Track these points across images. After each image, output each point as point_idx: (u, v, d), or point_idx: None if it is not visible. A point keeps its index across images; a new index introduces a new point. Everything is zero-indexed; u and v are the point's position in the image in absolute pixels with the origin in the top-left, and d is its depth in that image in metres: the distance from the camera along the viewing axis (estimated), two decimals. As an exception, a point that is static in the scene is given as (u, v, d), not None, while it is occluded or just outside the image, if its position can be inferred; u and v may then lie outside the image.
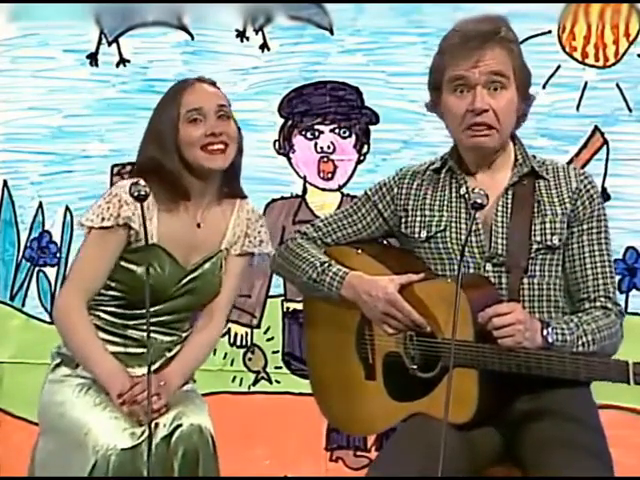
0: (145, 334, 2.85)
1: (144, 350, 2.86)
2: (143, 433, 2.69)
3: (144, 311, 2.84)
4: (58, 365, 2.92)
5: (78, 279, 2.89)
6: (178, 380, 2.87)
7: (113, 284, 2.89)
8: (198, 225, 2.92)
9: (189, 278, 2.91)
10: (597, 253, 2.70)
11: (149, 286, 2.71)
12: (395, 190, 2.85)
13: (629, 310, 3.81)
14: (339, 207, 3.96)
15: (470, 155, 2.76)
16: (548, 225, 2.70)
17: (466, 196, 2.75)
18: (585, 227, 2.71)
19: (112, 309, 2.90)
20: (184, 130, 2.86)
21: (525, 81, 2.71)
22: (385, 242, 2.96)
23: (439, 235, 2.76)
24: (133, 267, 2.87)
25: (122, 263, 2.87)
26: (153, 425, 2.69)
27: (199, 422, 2.76)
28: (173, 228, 2.88)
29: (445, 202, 2.78)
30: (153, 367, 2.82)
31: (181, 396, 2.86)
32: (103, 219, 2.83)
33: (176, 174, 2.86)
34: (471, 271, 2.69)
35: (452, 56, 2.66)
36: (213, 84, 2.96)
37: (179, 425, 2.74)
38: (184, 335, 2.98)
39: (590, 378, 2.60)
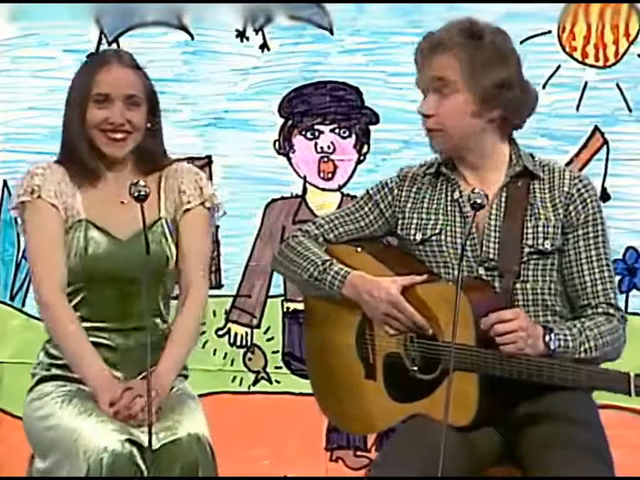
0: (112, 337, 2.84)
1: (114, 355, 2.84)
2: (133, 434, 2.66)
3: (102, 308, 2.84)
4: (37, 384, 2.88)
5: (40, 269, 2.84)
6: (170, 379, 2.80)
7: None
8: (122, 202, 2.86)
9: (129, 251, 2.83)
10: (594, 258, 2.70)
11: (86, 266, 2.74)
12: (396, 191, 2.85)
13: (629, 310, 3.80)
14: (339, 207, 3.96)
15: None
16: (540, 229, 2.70)
17: (459, 200, 2.75)
18: (580, 233, 2.70)
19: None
20: (90, 110, 2.84)
21: (479, 83, 2.67)
22: (385, 241, 2.96)
23: (434, 238, 2.76)
24: (67, 249, 2.82)
25: None
26: (142, 436, 2.64)
27: (196, 431, 2.69)
28: (98, 203, 2.84)
29: (441, 206, 2.78)
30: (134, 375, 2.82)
31: (175, 400, 2.81)
32: (19, 196, 2.84)
33: (82, 154, 2.85)
34: (465, 275, 2.68)
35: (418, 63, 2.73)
36: (133, 67, 2.89)
37: (177, 438, 2.67)
38: (159, 324, 2.90)
39: (591, 388, 2.61)
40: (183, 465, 2.67)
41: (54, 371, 2.87)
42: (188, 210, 2.91)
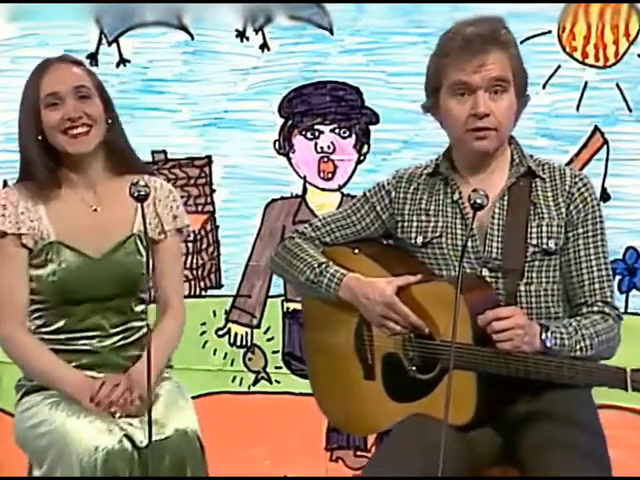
0: (92, 342, 2.85)
1: (95, 358, 2.84)
2: (123, 429, 2.67)
3: (79, 321, 2.84)
4: (24, 395, 2.87)
5: (1, 304, 2.82)
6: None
7: (35, 297, 2.84)
8: (95, 209, 2.85)
9: (103, 269, 2.83)
10: (593, 257, 2.69)
11: (60, 288, 2.75)
12: (393, 194, 2.85)
13: (629, 310, 3.81)
14: (339, 207, 3.95)
15: (468, 158, 2.74)
16: (545, 228, 2.69)
17: (459, 201, 2.74)
18: (580, 231, 2.70)
19: (43, 329, 2.86)
20: (45, 115, 2.81)
21: (523, 82, 2.71)
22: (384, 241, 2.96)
23: (435, 241, 2.76)
24: (40, 272, 2.81)
25: (31, 272, 2.83)
26: (131, 431, 2.67)
27: (184, 426, 2.70)
28: (66, 218, 2.82)
29: (440, 207, 2.78)
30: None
31: (163, 395, 2.81)
32: None
33: (37, 163, 2.81)
34: (463, 272, 2.67)
35: (453, 60, 2.63)
36: (76, 62, 2.89)
37: (165, 435, 2.67)
38: (135, 326, 2.90)
39: (588, 384, 2.60)
40: (171, 461, 2.67)
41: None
42: (164, 233, 2.92)
